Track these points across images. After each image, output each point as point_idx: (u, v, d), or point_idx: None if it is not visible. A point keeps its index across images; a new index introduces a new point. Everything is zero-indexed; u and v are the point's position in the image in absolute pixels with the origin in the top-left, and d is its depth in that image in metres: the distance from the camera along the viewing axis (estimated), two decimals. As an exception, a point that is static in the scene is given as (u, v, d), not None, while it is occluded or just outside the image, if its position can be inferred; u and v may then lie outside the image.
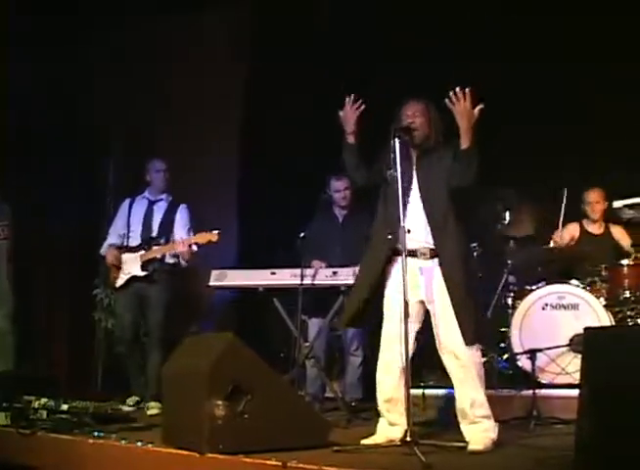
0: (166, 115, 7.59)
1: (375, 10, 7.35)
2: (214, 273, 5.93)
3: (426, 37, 7.23)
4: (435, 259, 4.22)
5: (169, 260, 6.16)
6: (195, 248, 5.97)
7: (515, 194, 6.24)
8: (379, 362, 4.31)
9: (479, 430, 4.12)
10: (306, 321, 6.14)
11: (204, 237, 5.89)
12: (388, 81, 7.08)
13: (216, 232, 5.87)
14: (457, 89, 4.08)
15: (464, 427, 4.18)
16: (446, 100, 4.12)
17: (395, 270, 4.25)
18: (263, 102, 7.81)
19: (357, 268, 5.59)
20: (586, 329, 3.08)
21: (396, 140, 4.13)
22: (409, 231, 4.08)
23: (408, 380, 4.04)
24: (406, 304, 3.98)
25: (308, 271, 5.73)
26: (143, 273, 6.07)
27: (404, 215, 4.08)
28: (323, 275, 5.77)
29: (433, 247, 4.22)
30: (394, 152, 4.10)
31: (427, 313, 4.30)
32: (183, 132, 7.59)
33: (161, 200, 6.34)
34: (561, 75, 6.95)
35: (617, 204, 3.98)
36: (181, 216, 6.28)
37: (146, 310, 6.10)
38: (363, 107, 4.33)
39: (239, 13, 7.83)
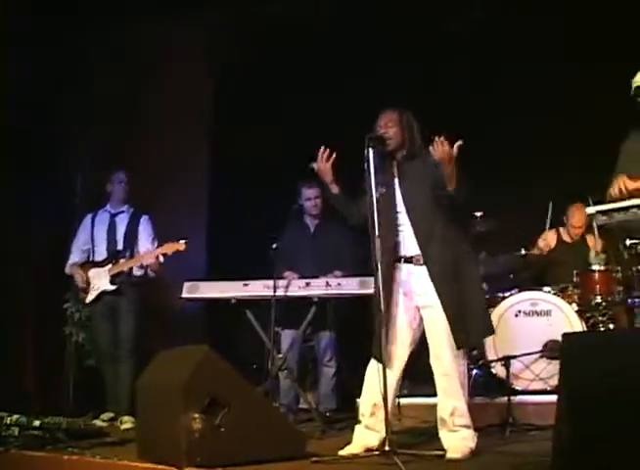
0: (136, 126, 7.54)
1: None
2: (186, 285, 5.90)
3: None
4: (421, 266, 4.26)
5: (137, 273, 6.18)
6: (162, 259, 5.96)
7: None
8: (369, 368, 4.33)
9: (457, 438, 4.14)
10: (279, 332, 6.11)
11: (171, 247, 5.90)
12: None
13: (183, 242, 5.89)
14: (436, 138, 4.11)
15: (443, 434, 4.20)
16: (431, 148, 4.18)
17: (398, 276, 4.30)
18: (234, 111, 7.79)
19: (330, 279, 5.70)
20: (564, 335, 3.10)
21: (370, 149, 4.15)
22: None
23: (390, 387, 4.06)
24: (381, 312, 4.01)
25: (281, 282, 5.72)
26: (112, 287, 6.07)
27: (379, 224, 4.12)
28: (296, 286, 5.77)
29: (417, 254, 4.28)
30: (368, 161, 4.13)
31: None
32: (153, 143, 7.55)
33: (123, 212, 6.35)
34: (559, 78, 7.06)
35: (590, 210, 3.99)
36: (144, 227, 6.30)
37: (117, 323, 6.08)
38: (334, 155, 4.39)
39: (208, 18, 7.81)
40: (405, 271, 4.32)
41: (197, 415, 3.85)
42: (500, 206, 6.41)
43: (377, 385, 4.16)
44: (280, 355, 5.88)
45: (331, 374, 6.17)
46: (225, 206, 7.73)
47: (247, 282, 5.83)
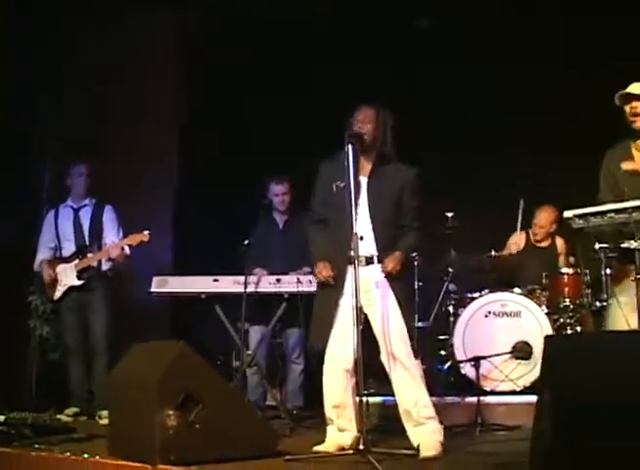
0: (105, 121, 7.47)
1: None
2: (155, 280, 5.86)
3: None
4: (376, 265, 4.31)
5: (105, 267, 6.13)
6: (127, 250, 5.93)
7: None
8: (326, 367, 4.33)
9: (426, 432, 4.17)
10: (248, 329, 6.10)
11: (135, 238, 5.88)
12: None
13: (147, 232, 5.87)
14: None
15: (410, 430, 4.22)
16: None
17: (350, 277, 4.25)
18: (203, 105, 7.76)
19: (301, 276, 5.70)
20: (547, 337, 3.16)
21: (349, 146, 4.16)
22: (362, 238, 4.12)
23: (361, 386, 4.03)
24: (359, 309, 4.01)
25: (251, 278, 5.71)
26: (79, 282, 6.02)
27: (335, 219, 4.25)
28: (266, 282, 5.77)
29: (374, 253, 4.31)
30: (348, 159, 4.12)
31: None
32: (121, 137, 7.48)
33: (86, 205, 6.30)
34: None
35: (567, 213, 4.05)
36: (109, 218, 6.27)
37: (88, 318, 6.03)
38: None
39: (178, 17, 7.79)
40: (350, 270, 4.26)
41: (171, 412, 3.83)
42: (471, 205, 6.46)
43: (333, 388, 4.27)
44: (249, 352, 5.86)
45: (299, 371, 6.18)
46: (192, 200, 7.68)
47: (217, 277, 5.82)
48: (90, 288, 6.04)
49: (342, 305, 4.28)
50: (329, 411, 4.33)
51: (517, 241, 6.69)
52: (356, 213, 4.15)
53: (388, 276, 4.28)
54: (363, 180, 4.37)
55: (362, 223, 4.26)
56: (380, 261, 4.30)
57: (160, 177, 7.76)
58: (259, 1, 7.57)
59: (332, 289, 4.33)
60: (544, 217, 6.70)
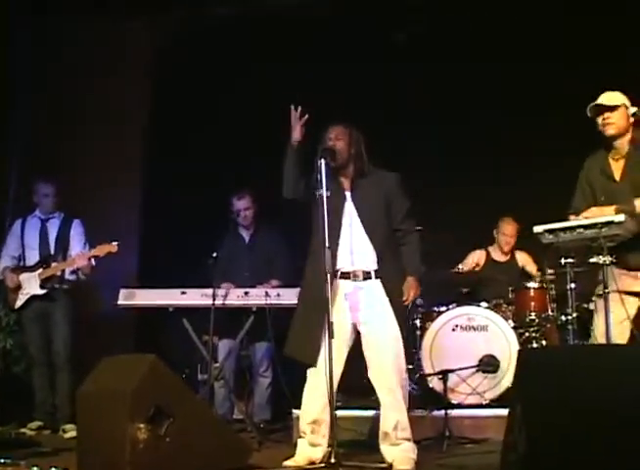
0: (72, 130, 7.44)
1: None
2: (123, 292, 5.84)
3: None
4: (371, 281, 4.32)
5: (69, 277, 6.13)
6: (93, 262, 5.92)
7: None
8: (310, 383, 4.33)
9: (400, 450, 4.22)
10: (216, 342, 6.11)
11: (102, 249, 5.88)
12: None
13: (115, 243, 5.86)
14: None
15: (384, 447, 4.26)
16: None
17: (333, 292, 4.27)
18: (171, 115, 7.75)
19: (269, 289, 5.72)
20: (520, 350, 3.22)
21: (322, 161, 4.20)
22: (333, 253, 4.16)
23: (332, 401, 4.06)
24: (331, 324, 4.03)
25: (220, 291, 5.71)
26: (42, 291, 6.00)
27: (337, 237, 4.26)
28: (234, 296, 5.77)
29: (371, 269, 4.33)
30: (320, 172, 4.16)
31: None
32: (88, 147, 7.46)
33: (54, 217, 6.31)
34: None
35: (537, 228, 4.13)
36: (76, 231, 6.27)
37: (51, 330, 6.02)
38: (306, 117, 4.37)
39: (146, 20, 7.80)
40: (347, 286, 4.36)
41: (142, 425, 3.83)
42: (439, 220, 6.53)
43: (316, 401, 4.26)
44: (216, 365, 5.87)
45: (266, 385, 6.19)
46: (158, 212, 7.67)
47: (184, 290, 5.80)
48: (52, 298, 6.03)
49: (334, 322, 4.22)
50: (304, 426, 4.34)
51: (475, 258, 6.80)
52: (338, 229, 4.25)
53: (390, 295, 4.30)
54: (346, 195, 4.42)
55: (356, 239, 4.32)
56: (378, 277, 4.32)
57: (126, 189, 7.74)
58: (229, 4, 7.60)
59: (317, 304, 4.23)
60: (510, 228, 6.81)
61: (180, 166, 7.68)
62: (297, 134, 4.36)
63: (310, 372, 4.32)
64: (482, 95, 7.25)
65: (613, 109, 4.36)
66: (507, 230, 6.80)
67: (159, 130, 7.82)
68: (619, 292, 4.18)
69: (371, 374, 4.31)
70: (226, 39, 7.61)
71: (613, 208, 4.17)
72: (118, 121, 7.61)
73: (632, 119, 4.38)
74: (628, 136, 4.41)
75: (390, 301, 4.29)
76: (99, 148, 7.51)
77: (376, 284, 4.33)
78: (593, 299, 4.91)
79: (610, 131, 4.39)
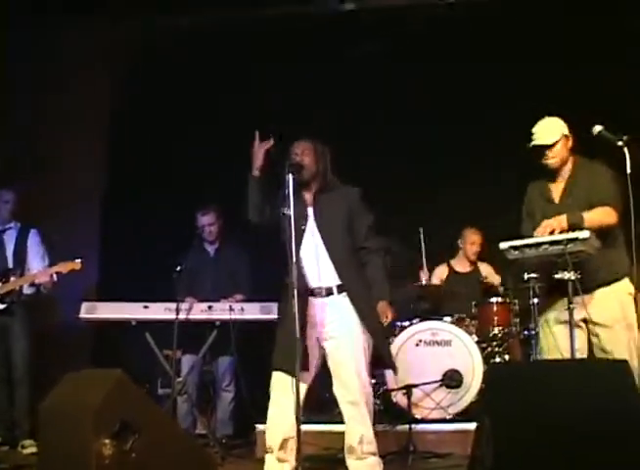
0: (33, 140, 7.40)
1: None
2: (85, 305, 5.83)
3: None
4: (335, 296, 4.35)
5: (27, 291, 6.07)
6: (55, 277, 5.88)
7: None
8: (272, 399, 4.34)
9: (365, 465, 4.25)
10: (179, 356, 6.10)
11: (66, 266, 5.84)
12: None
13: (79, 261, 5.84)
14: None
15: (350, 462, 4.29)
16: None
17: (306, 308, 4.31)
18: (134, 124, 7.72)
19: (233, 303, 5.75)
20: (490, 365, 3.28)
21: (290, 176, 4.21)
22: (302, 268, 4.19)
23: (299, 414, 4.06)
24: (298, 340, 4.04)
25: (183, 305, 5.72)
26: (1, 306, 5.94)
27: (297, 252, 4.20)
28: (198, 310, 5.79)
29: (334, 284, 4.35)
30: (288, 188, 4.18)
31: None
32: (46, 157, 7.42)
33: (10, 228, 6.25)
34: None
35: (503, 245, 4.19)
36: (33, 242, 6.23)
37: (10, 344, 5.95)
38: (272, 143, 4.39)
39: (111, 32, 7.79)
40: (312, 302, 4.37)
41: (107, 441, 3.81)
42: (403, 233, 6.59)
43: (284, 418, 4.22)
44: (179, 380, 5.87)
45: (229, 399, 6.20)
46: (120, 223, 7.62)
47: (147, 304, 5.81)
48: (11, 312, 5.97)
49: (307, 338, 4.29)
50: (272, 441, 4.31)
51: (439, 275, 6.88)
52: (302, 244, 4.23)
53: (361, 313, 4.32)
54: (309, 211, 4.43)
55: (318, 254, 4.33)
56: (342, 291, 4.34)
57: (86, 199, 7.67)
58: (197, 16, 7.64)
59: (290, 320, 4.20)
60: (476, 237, 6.91)
61: (143, 177, 7.64)
62: (258, 163, 4.38)
63: (274, 388, 4.33)
64: (444, 103, 7.35)
65: (552, 146, 4.42)
66: (473, 239, 6.90)
67: (122, 141, 7.78)
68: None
69: (335, 388, 4.34)
70: (193, 52, 7.64)
71: (564, 216, 4.24)
72: (80, 132, 7.57)
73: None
74: (571, 160, 4.49)
75: (363, 319, 4.30)
76: (59, 158, 7.46)
77: (339, 299, 4.35)
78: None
79: (554, 166, 4.47)
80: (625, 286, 4.36)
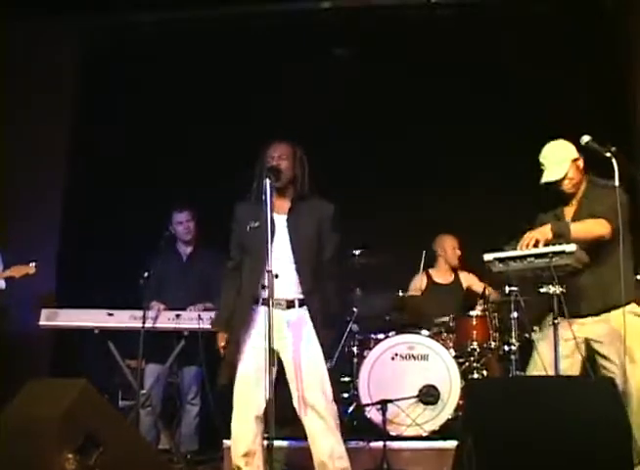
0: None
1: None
2: (45, 312, 5.81)
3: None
4: (297, 309, 4.38)
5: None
6: (3, 284, 5.89)
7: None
8: (235, 414, 4.36)
9: (339, 482, 4.27)
10: (143, 367, 6.08)
11: (20, 270, 5.83)
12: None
13: (33, 264, 5.83)
14: None
15: (322, 479, 4.31)
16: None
17: (259, 319, 4.35)
18: (99, 121, 7.73)
19: (202, 312, 5.74)
20: (469, 381, 3.32)
21: (267, 181, 4.21)
22: (277, 276, 4.18)
23: (272, 430, 4.06)
24: (272, 351, 4.06)
25: (149, 313, 5.70)
26: None
27: (263, 262, 4.19)
28: (165, 318, 5.78)
29: (295, 296, 4.38)
30: (265, 194, 4.18)
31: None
32: (8, 157, 7.39)
33: None
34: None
35: (487, 257, 4.25)
36: None
37: None
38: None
39: (77, 22, 7.83)
40: (267, 313, 4.30)
41: (70, 455, 3.81)
42: (380, 243, 6.62)
43: (245, 435, 4.29)
44: (143, 392, 5.85)
45: (194, 413, 6.19)
46: (81, 224, 7.60)
47: (111, 311, 5.80)
48: None
49: (255, 348, 4.32)
50: (237, 459, 4.33)
51: (417, 284, 6.90)
52: (272, 252, 4.17)
53: (317, 327, 4.38)
54: (281, 218, 4.42)
55: (283, 264, 4.33)
56: (303, 304, 4.37)
57: (43, 197, 7.61)
58: (165, 16, 7.68)
59: (235, 331, 4.38)
60: (452, 242, 6.98)
61: (107, 176, 7.63)
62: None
63: (238, 401, 4.35)
64: (423, 110, 7.43)
65: (563, 178, 4.51)
66: (449, 243, 6.97)
67: (85, 140, 7.76)
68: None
69: (297, 402, 4.34)
70: (163, 53, 7.69)
71: (548, 226, 4.31)
72: (39, 129, 7.55)
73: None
74: (585, 181, 4.57)
75: (317, 333, 4.36)
76: (15, 158, 7.43)
77: (300, 312, 4.38)
78: (534, 329, 5.09)
79: (570, 191, 4.56)
80: (619, 316, 4.30)
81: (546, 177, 4.51)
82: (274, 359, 4.30)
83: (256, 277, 4.31)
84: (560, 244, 4.16)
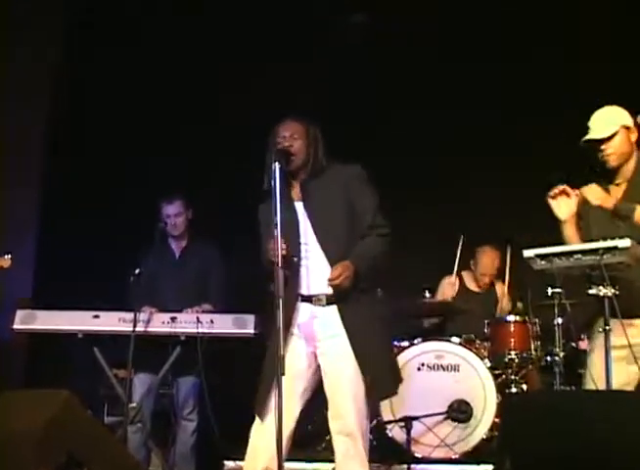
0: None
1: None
2: (20, 314, 5.80)
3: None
4: (333, 306, 4.32)
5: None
6: None
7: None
8: (256, 425, 4.31)
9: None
10: (132, 377, 6.08)
11: None
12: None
13: (8, 257, 5.86)
14: None
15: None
16: None
17: (299, 318, 4.34)
18: (79, 111, 7.82)
19: (201, 315, 5.75)
20: (507, 395, 3.32)
21: (276, 165, 4.19)
22: (289, 268, 4.18)
23: (288, 447, 4.10)
24: (282, 358, 4.04)
25: (141, 316, 5.70)
26: None
27: (299, 254, 4.25)
28: (159, 321, 5.78)
29: (326, 292, 4.31)
30: (275, 179, 4.17)
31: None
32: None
33: None
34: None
35: (527, 253, 4.20)
36: None
37: None
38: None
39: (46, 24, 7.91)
40: (305, 312, 4.36)
41: (50, 474, 3.83)
42: (404, 241, 6.62)
43: (265, 448, 4.18)
44: (133, 405, 5.85)
45: (191, 430, 6.15)
46: (64, 216, 7.63)
47: (97, 313, 5.79)
48: None
49: (295, 354, 4.29)
50: None
51: (451, 284, 6.88)
52: (298, 248, 4.23)
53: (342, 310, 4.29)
54: (300, 206, 4.40)
55: (314, 255, 4.31)
56: (332, 303, 4.31)
57: (20, 186, 7.68)
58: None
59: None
60: (488, 263, 6.97)
61: (91, 164, 7.68)
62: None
63: (259, 413, 4.32)
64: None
65: (609, 139, 4.39)
66: (483, 266, 7.00)
67: (66, 125, 7.82)
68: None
69: (330, 416, 4.31)
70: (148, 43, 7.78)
71: (611, 200, 4.30)
72: (13, 127, 7.59)
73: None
74: (635, 157, 4.45)
75: (347, 330, 4.27)
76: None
77: (332, 311, 4.33)
78: (583, 336, 5.06)
79: (612, 164, 4.43)
80: None
81: (589, 135, 4.42)
82: (309, 369, 4.35)
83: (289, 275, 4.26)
84: None
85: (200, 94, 7.71)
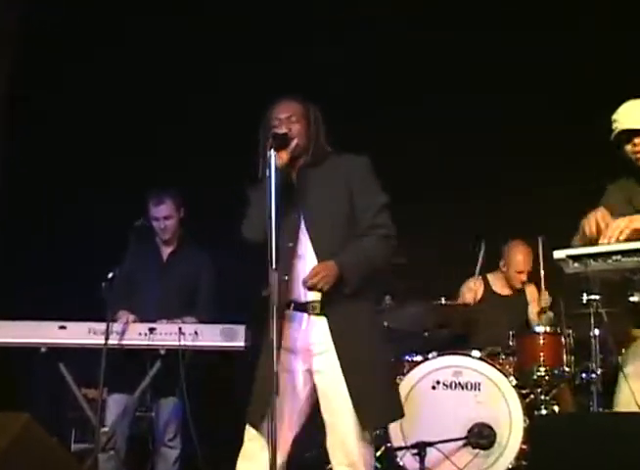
0: None
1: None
2: (-23, 326, 5.80)
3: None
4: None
5: None
6: None
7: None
8: (244, 448, 4.29)
9: None
10: (104, 397, 6.06)
11: None
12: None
13: None
14: None
15: None
16: None
17: (292, 329, 4.30)
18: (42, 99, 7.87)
19: (184, 325, 5.73)
20: (536, 417, 3.29)
21: (272, 152, 4.15)
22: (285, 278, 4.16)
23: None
24: (276, 375, 4.01)
25: (115, 326, 5.68)
26: None
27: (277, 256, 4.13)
28: (135, 332, 5.74)
29: (318, 299, 4.27)
30: (270, 167, 4.12)
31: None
32: None
33: None
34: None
35: (558, 254, 4.14)
36: None
37: None
38: None
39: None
40: (299, 322, 4.32)
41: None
42: (415, 242, 6.61)
43: None
44: (105, 429, 5.82)
45: (173, 458, 6.15)
46: (25, 216, 7.69)
47: (64, 324, 5.75)
48: None
49: (288, 371, 4.28)
50: None
51: (473, 288, 6.84)
52: (291, 247, 4.21)
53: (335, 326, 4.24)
54: (294, 197, 4.35)
55: (310, 258, 4.28)
56: (322, 311, 4.27)
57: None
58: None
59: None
60: (523, 258, 6.92)
61: (55, 159, 7.74)
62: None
63: (248, 436, 4.29)
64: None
65: None
66: (518, 260, 6.95)
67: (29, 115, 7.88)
68: None
69: (329, 444, 4.30)
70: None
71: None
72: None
73: None
74: None
75: (336, 344, 4.23)
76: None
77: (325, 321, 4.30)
78: (622, 350, 5.02)
79: None
80: None
81: (624, 124, 4.38)
82: (305, 387, 4.32)
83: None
84: None
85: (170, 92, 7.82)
